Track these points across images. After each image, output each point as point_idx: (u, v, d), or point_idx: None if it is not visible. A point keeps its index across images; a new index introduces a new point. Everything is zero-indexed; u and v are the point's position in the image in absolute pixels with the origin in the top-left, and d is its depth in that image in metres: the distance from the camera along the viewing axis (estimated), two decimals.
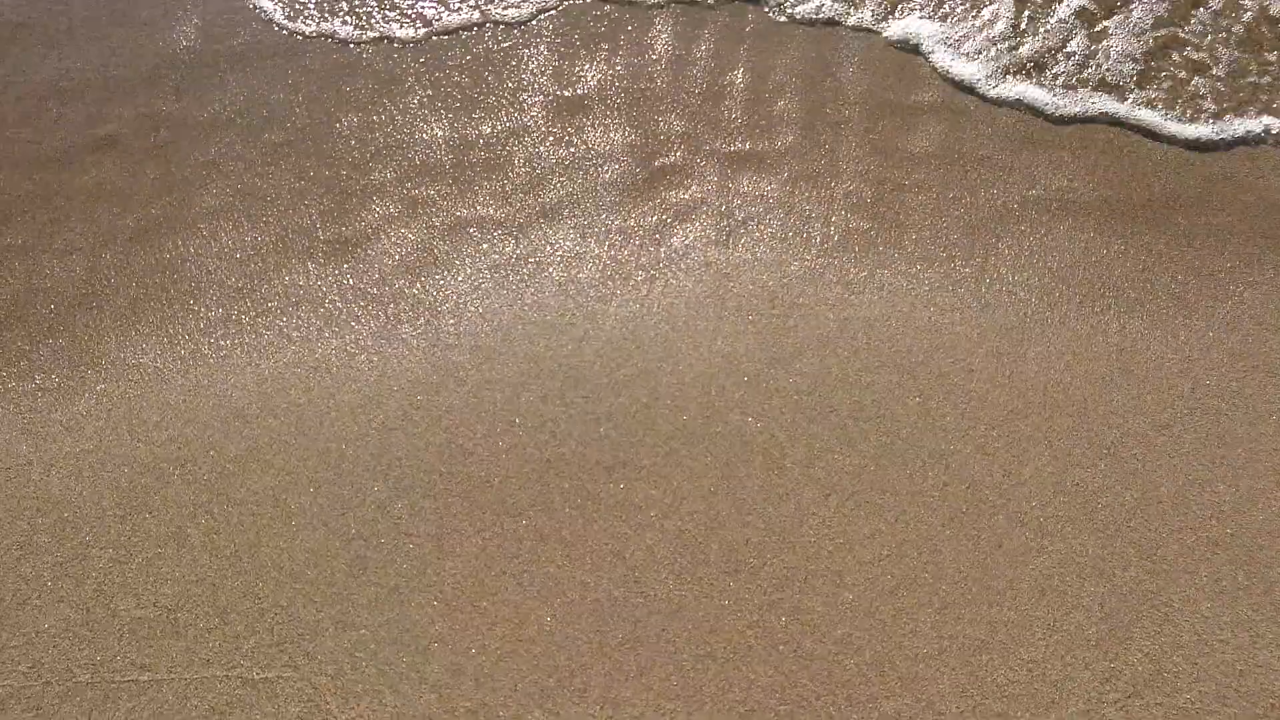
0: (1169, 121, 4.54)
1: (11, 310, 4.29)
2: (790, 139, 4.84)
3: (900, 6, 5.19)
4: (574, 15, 5.59)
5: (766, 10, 5.43)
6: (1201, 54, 4.68)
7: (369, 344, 4.08)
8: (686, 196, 4.67)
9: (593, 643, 3.21)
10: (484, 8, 5.62)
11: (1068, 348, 3.96)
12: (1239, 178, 4.42)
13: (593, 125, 5.04)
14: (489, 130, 5.07)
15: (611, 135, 4.97)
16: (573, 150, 4.94)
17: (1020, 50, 4.86)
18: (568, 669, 3.16)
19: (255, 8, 5.84)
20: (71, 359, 4.07)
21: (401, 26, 5.64)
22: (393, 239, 4.58)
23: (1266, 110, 4.48)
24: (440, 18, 5.62)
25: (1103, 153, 4.58)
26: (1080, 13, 4.92)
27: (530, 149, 4.95)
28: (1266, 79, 4.58)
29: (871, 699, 3.07)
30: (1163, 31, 4.77)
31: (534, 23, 5.58)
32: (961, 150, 4.68)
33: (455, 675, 3.16)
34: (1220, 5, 4.79)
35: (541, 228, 4.59)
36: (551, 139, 5.00)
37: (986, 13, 5.05)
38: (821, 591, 3.28)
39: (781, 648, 3.17)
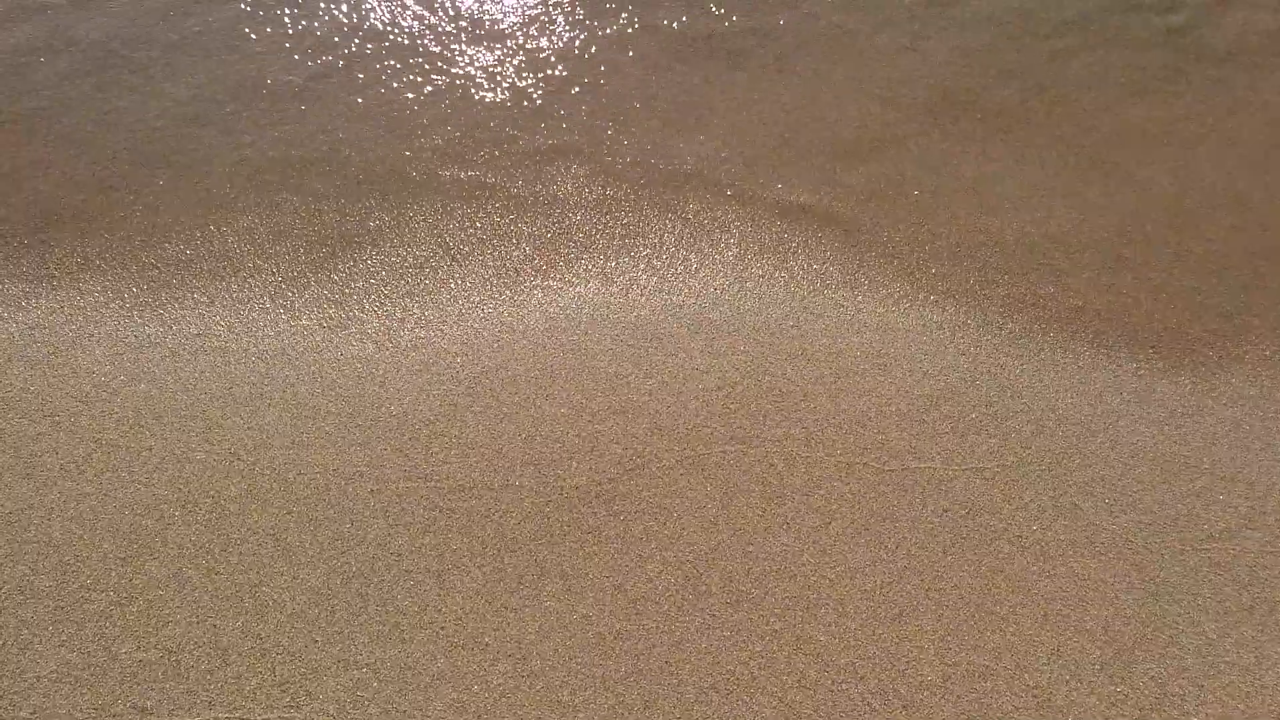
0: None
1: (11, 351, 4.31)
2: None
3: None
4: None
5: None
6: None
7: (363, 381, 4.11)
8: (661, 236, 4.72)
9: (595, 677, 3.19)
10: None
11: (1065, 374, 3.99)
12: None
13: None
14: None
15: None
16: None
17: None
18: (570, 704, 3.14)
19: None
20: (73, 400, 4.09)
21: None
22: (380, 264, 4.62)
23: None
24: None
25: None
26: None
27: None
28: None
29: None
30: None
31: None
32: None
33: (458, 713, 3.14)
34: None
35: (527, 265, 4.63)
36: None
37: None
38: (824, 620, 3.27)
39: (785, 678, 3.16)
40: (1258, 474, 3.60)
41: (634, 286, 4.45)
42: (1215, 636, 3.17)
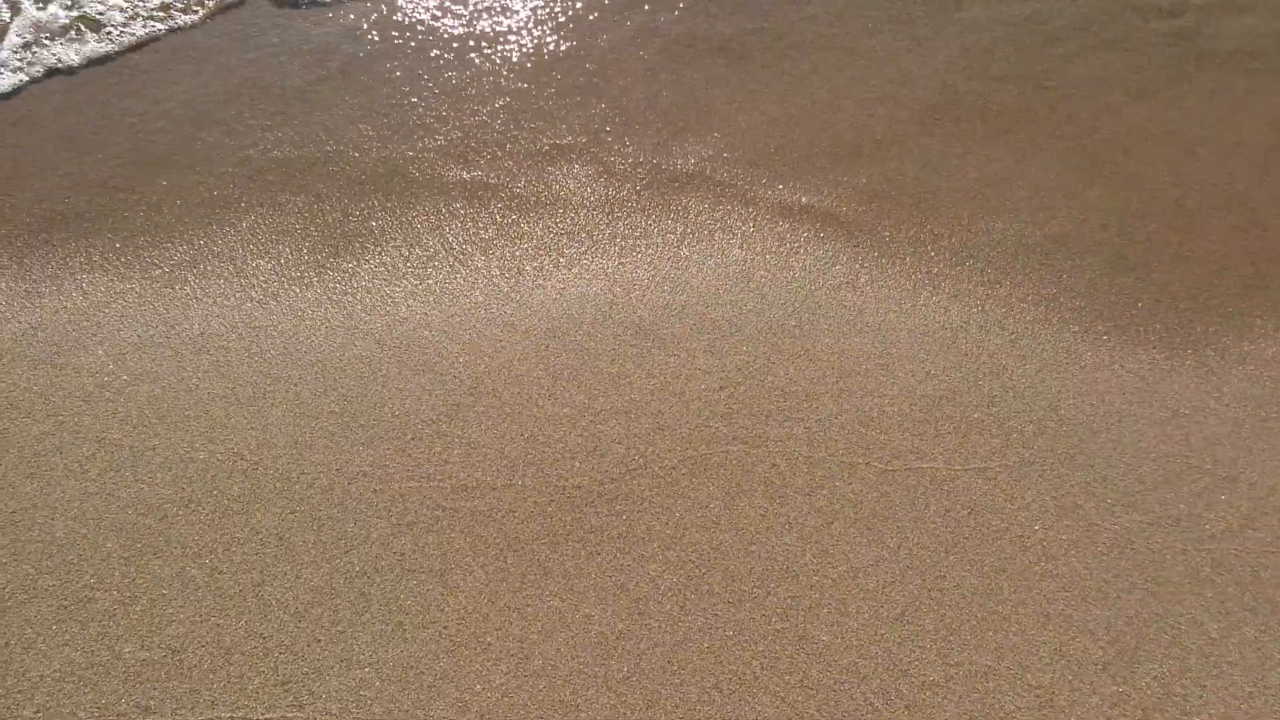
0: None
1: (15, 351, 4.32)
2: None
3: None
4: None
5: None
6: None
7: (365, 381, 4.11)
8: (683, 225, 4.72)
9: (597, 676, 3.19)
10: None
11: (1067, 374, 3.99)
12: None
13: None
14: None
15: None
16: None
17: None
18: (573, 703, 3.14)
19: None
20: (76, 399, 4.10)
21: None
22: (386, 260, 4.63)
23: None
24: None
25: None
26: None
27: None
28: None
29: None
30: None
31: None
32: None
33: (460, 712, 3.14)
34: None
35: (530, 265, 4.64)
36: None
37: None
38: (826, 620, 3.27)
39: (787, 677, 3.16)
40: (1260, 474, 3.60)
41: (636, 286, 4.46)
42: (1218, 636, 3.17)
